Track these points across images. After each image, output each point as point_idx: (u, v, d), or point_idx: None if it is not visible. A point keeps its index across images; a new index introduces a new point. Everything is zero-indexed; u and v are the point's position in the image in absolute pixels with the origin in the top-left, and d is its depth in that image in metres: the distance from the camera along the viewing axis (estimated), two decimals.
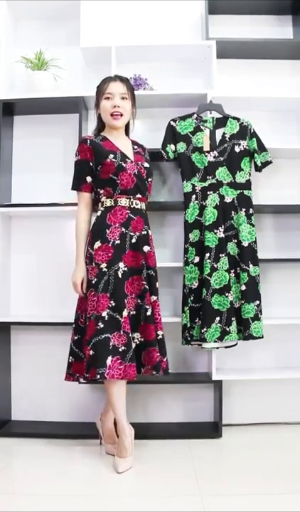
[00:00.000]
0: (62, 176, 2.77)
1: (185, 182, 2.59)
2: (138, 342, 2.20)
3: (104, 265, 2.16)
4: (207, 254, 2.48)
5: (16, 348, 2.75)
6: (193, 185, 2.57)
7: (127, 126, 2.43)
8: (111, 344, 2.07)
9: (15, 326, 2.71)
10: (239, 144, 2.60)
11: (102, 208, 2.26)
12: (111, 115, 2.27)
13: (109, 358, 2.05)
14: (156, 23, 2.88)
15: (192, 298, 2.50)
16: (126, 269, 2.19)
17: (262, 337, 2.47)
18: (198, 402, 2.72)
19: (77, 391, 2.67)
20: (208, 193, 2.55)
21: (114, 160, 2.23)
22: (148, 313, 2.19)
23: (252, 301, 2.47)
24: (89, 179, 2.28)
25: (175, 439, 2.48)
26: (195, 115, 2.62)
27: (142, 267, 2.23)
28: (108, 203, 2.24)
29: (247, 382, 2.72)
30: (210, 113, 2.66)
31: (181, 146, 2.60)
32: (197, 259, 2.52)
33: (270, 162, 2.59)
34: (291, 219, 2.81)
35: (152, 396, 2.71)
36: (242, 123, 2.62)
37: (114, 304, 2.13)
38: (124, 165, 2.24)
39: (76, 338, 2.25)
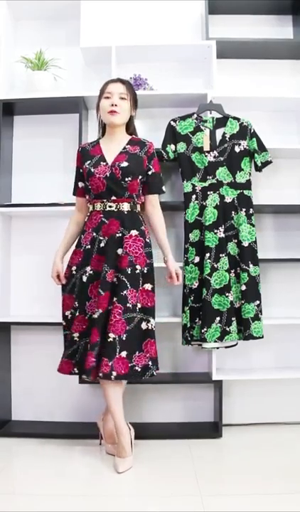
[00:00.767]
0: (62, 176, 2.77)
1: (185, 182, 2.59)
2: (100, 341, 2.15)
3: (74, 268, 2.31)
4: (208, 254, 2.48)
5: (16, 347, 2.76)
6: (193, 185, 2.58)
7: (129, 127, 2.40)
8: (67, 340, 2.29)
9: (15, 326, 2.71)
10: (240, 144, 2.60)
11: (87, 214, 2.35)
12: (109, 112, 2.27)
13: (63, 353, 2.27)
14: (156, 23, 2.88)
15: (192, 298, 2.50)
16: (91, 272, 2.22)
17: (262, 337, 2.47)
18: (198, 402, 2.72)
19: (77, 391, 2.67)
20: (208, 193, 2.56)
21: (87, 166, 2.29)
22: (95, 316, 2.14)
23: (252, 301, 2.48)
24: (80, 185, 2.38)
25: (175, 439, 2.48)
26: (195, 115, 2.62)
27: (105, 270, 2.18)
28: (90, 208, 2.32)
29: (247, 382, 2.72)
30: (210, 113, 2.66)
31: (181, 146, 2.60)
32: (197, 259, 2.52)
33: (270, 162, 2.59)
34: (291, 219, 2.81)
35: (152, 396, 2.71)
36: (242, 123, 2.62)
37: (76, 305, 2.25)
38: (93, 170, 2.26)
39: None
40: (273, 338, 2.74)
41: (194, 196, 2.57)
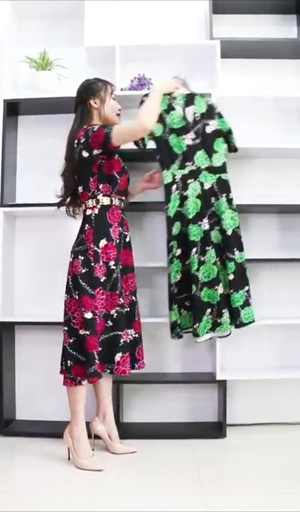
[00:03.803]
0: None
1: (165, 171, 2.41)
2: (132, 338, 2.30)
3: (112, 263, 2.21)
4: (194, 249, 2.34)
5: (20, 347, 2.76)
6: (173, 175, 2.40)
7: None
8: (122, 341, 2.17)
9: (19, 326, 2.72)
10: (209, 124, 2.44)
11: (98, 206, 2.24)
12: (118, 115, 2.39)
13: (119, 355, 2.16)
14: (160, 23, 2.88)
15: (176, 291, 2.39)
16: (121, 267, 2.27)
17: (254, 321, 2.39)
18: (202, 402, 2.72)
19: None
20: (189, 181, 2.39)
21: (119, 158, 2.31)
22: (123, 311, 2.26)
23: (241, 288, 2.37)
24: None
25: (179, 439, 2.48)
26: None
27: (132, 264, 2.36)
28: (105, 201, 2.26)
29: (252, 382, 2.72)
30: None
31: (157, 129, 2.41)
32: (179, 252, 2.39)
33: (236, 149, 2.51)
34: (296, 219, 2.80)
35: (156, 396, 2.71)
36: (208, 101, 2.49)
37: (121, 302, 2.22)
38: (125, 167, 2.35)
39: (71, 340, 2.18)
40: (278, 337, 2.73)
41: (174, 187, 2.39)
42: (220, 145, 2.45)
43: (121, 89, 2.65)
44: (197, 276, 2.34)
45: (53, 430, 2.55)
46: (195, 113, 2.44)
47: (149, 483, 2.01)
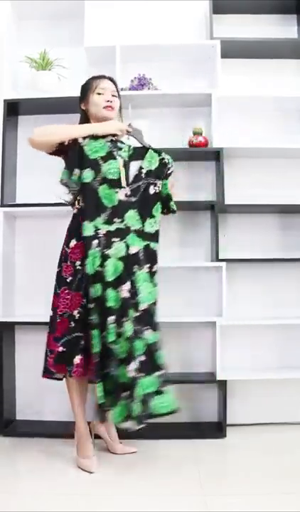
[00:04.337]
0: None
1: (86, 222, 2.11)
2: None
3: (78, 263, 2.15)
4: (111, 317, 2.03)
5: (21, 347, 2.76)
6: (96, 228, 2.11)
7: None
8: (81, 343, 2.10)
9: (19, 326, 2.72)
10: (155, 185, 2.22)
11: (77, 207, 2.20)
12: (105, 108, 2.24)
13: (78, 357, 2.09)
14: (161, 23, 2.88)
15: (101, 365, 2.04)
16: None
17: (173, 411, 2.04)
18: (202, 402, 2.72)
19: None
20: (114, 239, 2.11)
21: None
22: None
23: (151, 372, 2.03)
24: None
25: (179, 439, 2.48)
26: (110, 137, 2.22)
27: None
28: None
29: (252, 382, 2.72)
30: (128, 139, 2.33)
31: (88, 175, 2.12)
32: (98, 319, 2.05)
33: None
34: (296, 219, 2.80)
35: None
36: (163, 159, 2.26)
37: (84, 303, 2.12)
38: None
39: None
40: (278, 337, 2.74)
41: (96, 242, 2.09)
42: (158, 210, 2.24)
43: (122, 89, 2.64)
44: (114, 351, 2.01)
45: (53, 431, 2.55)
46: (141, 168, 2.22)
47: (149, 483, 2.00)
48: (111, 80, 2.32)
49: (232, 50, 2.74)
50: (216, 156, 2.66)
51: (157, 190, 2.23)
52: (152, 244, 2.21)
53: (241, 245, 2.77)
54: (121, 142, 2.29)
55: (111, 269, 2.07)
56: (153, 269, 2.19)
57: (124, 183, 2.16)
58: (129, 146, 2.27)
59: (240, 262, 2.66)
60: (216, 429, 2.58)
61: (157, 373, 2.06)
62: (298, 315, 2.76)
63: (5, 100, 2.66)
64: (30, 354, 2.75)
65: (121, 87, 2.63)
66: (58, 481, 2.02)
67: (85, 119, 2.32)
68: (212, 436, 2.51)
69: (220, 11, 2.80)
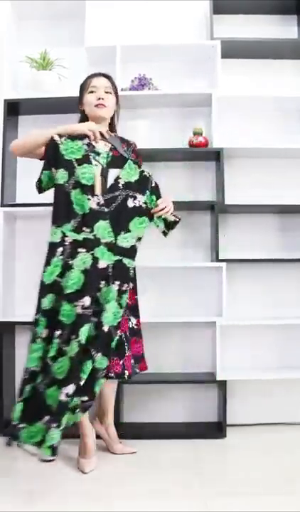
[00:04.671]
0: None
1: (53, 227, 2.00)
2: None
3: None
4: (58, 332, 1.89)
5: (21, 348, 2.75)
6: (63, 235, 1.99)
7: (112, 124, 2.29)
8: None
9: (19, 326, 2.72)
10: (135, 198, 2.08)
11: None
12: (96, 106, 2.17)
13: None
14: (161, 23, 2.88)
15: (32, 385, 1.89)
16: None
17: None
18: (202, 402, 2.72)
19: None
20: (79, 250, 1.98)
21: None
22: None
23: (79, 395, 1.88)
24: None
25: (179, 439, 2.48)
26: (87, 140, 2.08)
27: None
28: None
29: (252, 382, 2.72)
30: (97, 143, 2.15)
31: (62, 175, 2.01)
32: (45, 333, 1.92)
33: (178, 221, 2.19)
34: (297, 219, 2.80)
35: (156, 396, 2.71)
36: (143, 171, 2.14)
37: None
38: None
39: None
40: (278, 337, 2.74)
41: (60, 250, 1.98)
42: (138, 226, 2.08)
43: (122, 90, 2.65)
44: (51, 367, 1.87)
45: None
46: (118, 178, 2.08)
47: (149, 483, 2.00)
48: (106, 76, 2.25)
49: (233, 50, 2.74)
50: (216, 156, 2.66)
51: (137, 204, 2.08)
52: (125, 261, 2.05)
53: (241, 245, 2.77)
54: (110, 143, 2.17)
55: (72, 281, 1.93)
56: (123, 288, 2.02)
57: (98, 190, 2.04)
58: (108, 153, 2.12)
59: (240, 262, 2.66)
60: (216, 429, 2.58)
61: (83, 398, 1.90)
62: (298, 315, 2.76)
63: (5, 100, 2.66)
64: None
65: (121, 87, 2.63)
66: (58, 481, 2.01)
67: (83, 119, 2.28)
68: (212, 437, 2.51)
69: (220, 11, 2.80)
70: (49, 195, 2.55)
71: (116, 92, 2.25)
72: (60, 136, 2.05)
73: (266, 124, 2.80)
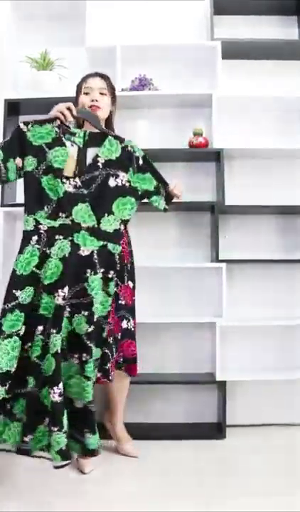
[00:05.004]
0: None
1: (26, 215, 1.92)
2: None
3: None
4: (40, 328, 1.82)
5: None
6: (37, 223, 1.91)
7: (108, 124, 2.22)
8: None
9: None
10: (117, 176, 1.98)
11: None
12: (90, 107, 2.10)
13: None
14: (161, 24, 2.88)
15: (7, 387, 1.77)
16: None
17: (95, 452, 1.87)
18: (202, 403, 2.72)
19: None
20: (57, 237, 1.90)
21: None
22: None
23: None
24: None
25: (178, 439, 2.47)
26: (58, 121, 1.98)
27: None
28: None
29: (252, 383, 2.71)
30: (76, 124, 2.14)
31: (30, 163, 1.92)
32: (23, 330, 1.81)
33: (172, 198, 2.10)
34: (297, 220, 2.80)
35: (156, 396, 2.71)
36: (126, 147, 2.03)
37: None
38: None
39: None
40: (278, 338, 2.74)
41: (35, 238, 1.89)
42: (121, 207, 1.98)
43: (122, 90, 2.65)
44: (40, 366, 1.80)
45: None
46: (97, 156, 1.97)
47: (149, 483, 2.00)
48: (101, 75, 2.18)
49: (233, 50, 2.74)
50: (216, 156, 2.66)
51: (119, 183, 1.97)
52: (110, 246, 1.96)
53: (241, 246, 2.77)
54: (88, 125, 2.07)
55: (50, 271, 1.85)
56: (109, 275, 1.94)
57: (71, 172, 1.92)
58: (85, 132, 2.00)
59: (241, 262, 2.66)
60: (216, 430, 2.58)
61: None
62: (298, 316, 2.76)
63: (6, 100, 2.66)
64: None
65: (121, 88, 2.63)
66: (57, 482, 2.01)
67: (80, 125, 2.20)
68: (211, 437, 2.50)
69: (220, 12, 2.81)
70: None
71: (112, 92, 2.20)
72: (27, 123, 1.96)
73: (266, 125, 2.81)
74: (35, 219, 1.91)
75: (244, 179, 2.80)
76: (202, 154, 2.70)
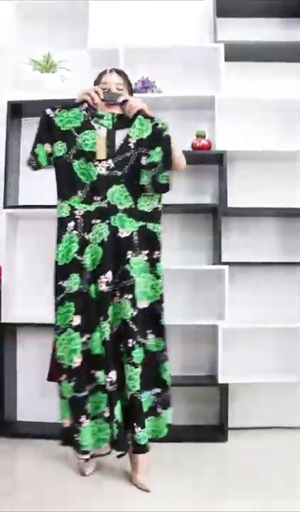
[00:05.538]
0: None
1: (60, 202, 1.88)
2: None
3: None
4: (102, 317, 1.80)
5: (22, 349, 2.76)
6: (72, 208, 1.87)
7: None
8: None
9: (21, 327, 2.72)
10: (149, 156, 1.89)
11: None
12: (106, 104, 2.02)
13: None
14: (164, 26, 2.88)
15: (73, 384, 1.78)
16: None
17: (163, 436, 1.87)
18: (204, 405, 2.71)
19: None
20: (93, 221, 1.86)
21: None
22: None
23: (149, 388, 1.84)
24: None
25: (179, 442, 2.47)
26: (86, 105, 1.93)
27: None
28: None
29: (254, 386, 2.71)
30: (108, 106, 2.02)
31: (60, 148, 1.89)
32: (78, 321, 1.79)
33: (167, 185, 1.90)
34: (298, 222, 2.80)
35: None
36: (157, 124, 1.92)
37: None
38: None
39: None
40: (280, 340, 2.73)
41: (72, 224, 1.85)
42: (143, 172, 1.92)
43: None
44: (103, 357, 1.79)
45: (55, 432, 2.54)
46: (128, 137, 1.91)
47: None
48: (118, 71, 2.13)
49: (236, 53, 2.74)
50: (219, 158, 2.65)
51: (151, 161, 1.89)
52: (150, 225, 1.90)
53: (243, 248, 2.77)
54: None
55: (92, 258, 1.82)
56: (154, 256, 1.88)
57: (103, 155, 1.88)
58: (113, 114, 1.96)
59: (243, 265, 2.65)
60: (218, 433, 2.57)
61: (156, 390, 1.83)
62: None
63: (8, 102, 2.67)
64: (31, 355, 2.75)
65: None
66: (59, 483, 2.01)
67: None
68: (213, 440, 2.50)
69: (223, 14, 2.80)
70: (50, 198, 2.56)
71: (129, 87, 2.13)
72: (54, 109, 1.93)
73: (269, 127, 2.80)
74: (69, 205, 1.86)
75: (247, 181, 2.80)
76: (205, 156, 2.70)
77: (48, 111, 1.93)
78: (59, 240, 1.84)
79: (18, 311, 2.78)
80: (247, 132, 2.81)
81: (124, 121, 1.94)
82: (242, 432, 2.61)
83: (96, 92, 1.96)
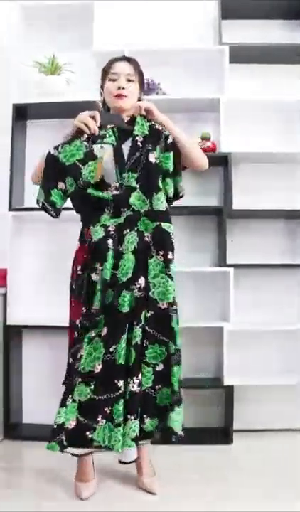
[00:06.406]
0: None
1: (92, 227, 1.85)
2: None
3: (79, 268, 1.98)
4: (124, 335, 1.79)
5: (28, 351, 2.77)
6: (105, 227, 1.84)
7: None
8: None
9: (26, 330, 2.72)
10: (155, 152, 1.90)
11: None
12: (116, 96, 1.95)
13: None
14: (169, 28, 2.89)
15: (92, 387, 1.79)
16: None
17: (179, 431, 1.87)
18: (208, 407, 2.71)
19: None
20: (125, 231, 1.84)
21: None
22: None
23: (168, 385, 1.86)
24: None
25: (184, 444, 2.46)
26: (86, 135, 1.91)
27: None
28: None
29: (259, 388, 2.70)
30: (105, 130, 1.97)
31: (71, 182, 1.88)
32: (105, 331, 1.80)
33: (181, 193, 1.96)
34: None
35: None
36: (154, 125, 1.94)
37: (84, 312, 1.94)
38: None
39: None
40: (286, 343, 2.73)
41: (110, 242, 1.82)
42: (164, 181, 1.91)
43: None
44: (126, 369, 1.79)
45: None
46: (135, 136, 1.90)
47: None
48: (129, 59, 2.02)
49: (240, 55, 2.74)
50: (224, 160, 2.65)
51: (157, 161, 1.88)
52: (164, 225, 1.86)
53: (248, 250, 2.77)
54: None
55: (126, 267, 1.80)
56: (169, 256, 1.84)
57: (96, 176, 1.83)
58: (113, 128, 1.91)
59: (248, 267, 2.65)
60: (223, 435, 2.57)
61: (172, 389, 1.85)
62: None
63: (14, 104, 2.68)
64: (37, 357, 2.75)
65: None
66: (62, 485, 2.02)
67: (107, 110, 2.07)
68: (218, 442, 2.50)
69: (228, 17, 2.80)
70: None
71: (141, 77, 2.04)
72: (56, 147, 1.92)
73: (274, 129, 2.80)
74: (102, 224, 1.84)
75: (252, 183, 2.80)
76: (210, 158, 2.66)
77: (52, 150, 1.91)
78: (104, 260, 1.80)
79: (23, 314, 2.78)
80: (251, 134, 2.81)
81: (126, 130, 1.93)
82: (247, 434, 2.61)
83: (93, 117, 1.92)
